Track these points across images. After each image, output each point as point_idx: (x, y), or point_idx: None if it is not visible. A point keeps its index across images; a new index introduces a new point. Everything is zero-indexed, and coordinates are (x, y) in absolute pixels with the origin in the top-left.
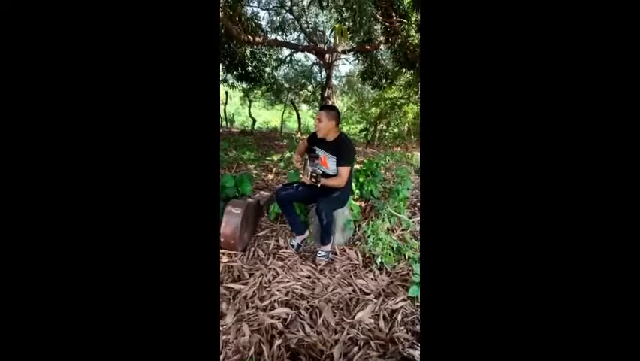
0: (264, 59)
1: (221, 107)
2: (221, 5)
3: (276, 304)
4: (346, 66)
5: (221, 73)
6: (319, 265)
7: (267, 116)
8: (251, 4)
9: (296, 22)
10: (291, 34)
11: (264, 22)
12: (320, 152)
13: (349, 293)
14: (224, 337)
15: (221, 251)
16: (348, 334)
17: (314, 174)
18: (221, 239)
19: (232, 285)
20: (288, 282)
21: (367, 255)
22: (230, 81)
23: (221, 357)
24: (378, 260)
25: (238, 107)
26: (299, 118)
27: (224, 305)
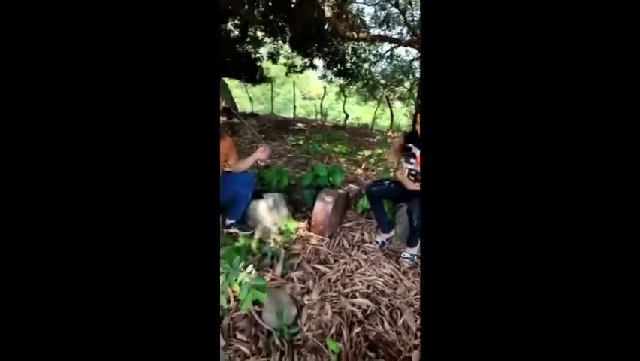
0: (363, 55)
1: (318, 101)
2: (329, 4)
3: (357, 294)
4: None
5: (321, 69)
6: (403, 266)
7: (359, 112)
8: (357, 0)
9: (401, 16)
10: (394, 28)
11: (367, 18)
12: (416, 150)
13: None
14: (308, 311)
15: (310, 234)
16: None
17: (412, 172)
18: (312, 223)
19: (318, 266)
20: (369, 276)
21: None
22: (329, 77)
23: (305, 328)
24: None
25: (332, 101)
26: (392, 115)
27: (310, 282)
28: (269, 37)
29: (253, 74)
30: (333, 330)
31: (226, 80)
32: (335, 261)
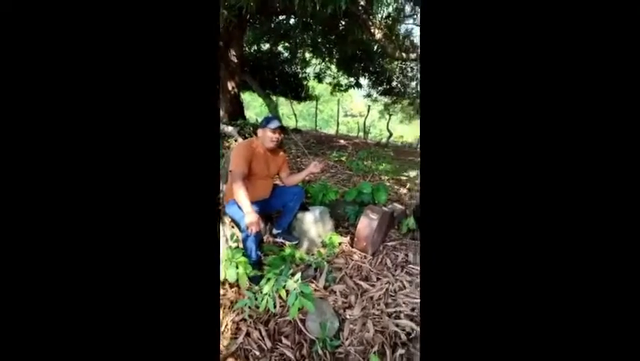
0: (411, 74)
1: (359, 119)
2: (379, 26)
3: (401, 315)
4: None
5: (366, 87)
6: None
7: (402, 130)
8: (406, 22)
9: None
10: None
11: (416, 39)
12: None
13: None
14: (350, 326)
15: (352, 250)
16: None
17: None
18: (355, 239)
19: (361, 282)
20: (414, 298)
21: None
22: (374, 95)
23: (347, 342)
24: None
25: (375, 119)
26: None
27: (352, 298)
28: (316, 59)
29: (299, 92)
30: (376, 348)
31: (273, 97)
32: (378, 279)
